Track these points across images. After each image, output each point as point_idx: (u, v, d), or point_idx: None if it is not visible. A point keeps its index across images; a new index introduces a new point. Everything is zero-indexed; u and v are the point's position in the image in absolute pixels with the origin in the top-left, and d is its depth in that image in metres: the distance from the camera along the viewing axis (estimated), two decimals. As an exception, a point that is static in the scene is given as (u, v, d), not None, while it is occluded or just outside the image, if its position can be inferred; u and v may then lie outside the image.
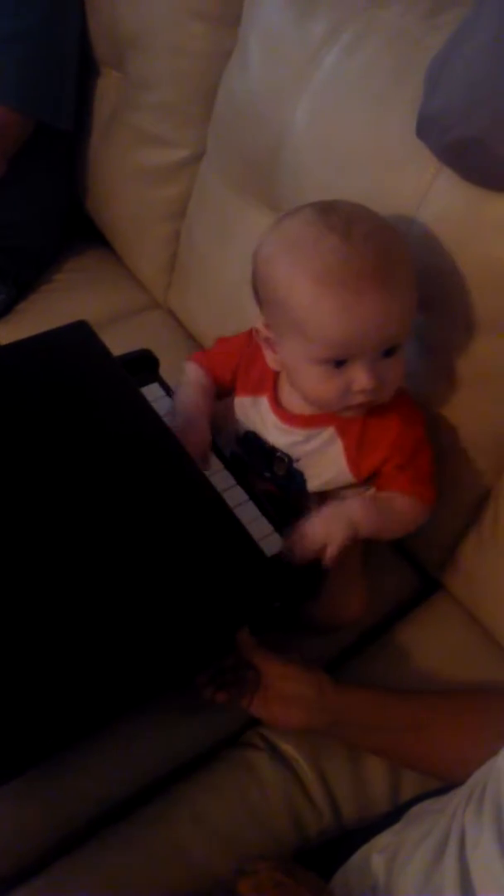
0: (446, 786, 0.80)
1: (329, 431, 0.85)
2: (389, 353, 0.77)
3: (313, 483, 0.89)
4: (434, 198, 0.85)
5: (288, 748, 0.91)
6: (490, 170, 0.78)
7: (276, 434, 0.88)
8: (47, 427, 0.85)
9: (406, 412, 0.85)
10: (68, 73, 1.36)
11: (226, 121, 1.18)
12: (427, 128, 0.83)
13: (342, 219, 0.75)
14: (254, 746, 0.91)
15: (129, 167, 1.37)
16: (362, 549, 0.96)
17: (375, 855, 0.76)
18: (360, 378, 0.77)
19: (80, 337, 0.93)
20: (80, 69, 1.39)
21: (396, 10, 0.93)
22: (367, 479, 0.87)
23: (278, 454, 0.89)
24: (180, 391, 0.94)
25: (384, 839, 0.78)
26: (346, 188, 0.91)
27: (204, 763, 0.91)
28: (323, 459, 0.87)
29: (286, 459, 0.89)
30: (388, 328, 0.75)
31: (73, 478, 0.81)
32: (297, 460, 0.88)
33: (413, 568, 1.11)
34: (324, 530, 0.82)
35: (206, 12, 1.17)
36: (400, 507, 0.86)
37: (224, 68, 1.17)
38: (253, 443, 0.91)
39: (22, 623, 0.72)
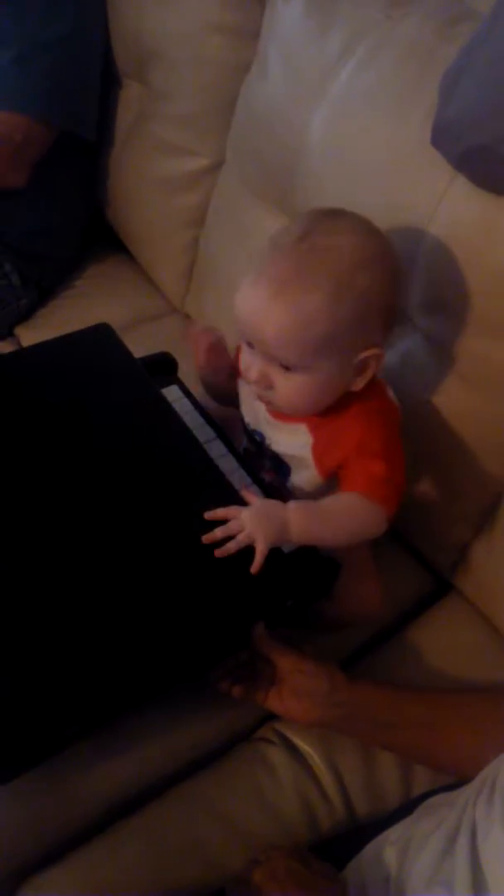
0: (458, 780, 0.81)
1: (303, 428, 0.85)
2: (287, 368, 0.77)
3: (295, 478, 0.89)
4: (449, 204, 0.87)
5: (301, 743, 0.92)
6: (502, 177, 0.80)
7: (266, 426, 0.89)
8: (71, 424, 0.87)
9: (375, 415, 0.83)
10: (92, 84, 1.38)
11: (245, 131, 1.20)
12: (441, 136, 0.85)
13: (307, 226, 0.75)
14: (268, 741, 0.93)
15: (150, 176, 1.40)
16: (370, 545, 0.97)
17: (388, 847, 0.77)
18: (250, 366, 0.79)
19: (102, 338, 0.96)
20: (104, 81, 1.41)
21: (411, 23, 0.95)
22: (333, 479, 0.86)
23: (266, 443, 0.89)
24: None
25: (396, 832, 0.78)
26: (362, 196, 0.93)
27: (219, 757, 0.92)
28: (297, 456, 0.87)
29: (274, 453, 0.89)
30: (265, 333, 0.75)
31: (96, 474, 0.83)
32: (283, 454, 0.88)
33: (425, 570, 1.12)
34: (253, 525, 0.77)
35: (226, 25, 1.19)
36: (348, 510, 0.81)
37: (243, 80, 1.19)
38: (252, 434, 0.92)
39: (43, 616, 0.74)
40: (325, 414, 0.82)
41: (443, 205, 0.87)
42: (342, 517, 0.81)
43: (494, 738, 0.77)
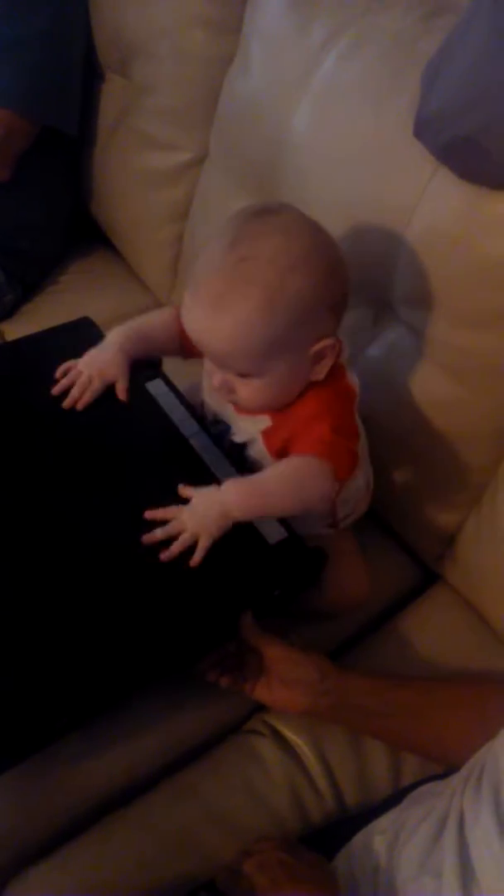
0: (446, 770, 0.81)
1: (265, 417, 0.85)
2: (243, 374, 0.79)
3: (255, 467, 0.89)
4: (432, 196, 0.87)
5: (291, 734, 0.92)
6: (484, 168, 0.80)
7: (232, 418, 0.89)
8: (53, 419, 0.87)
9: (327, 394, 0.83)
10: (74, 79, 1.38)
11: (228, 124, 1.20)
12: (424, 128, 0.85)
13: (234, 233, 0.75)
14: (258, 733, 0.93)
15: (133, 170, 1.39)
16: (355, 533, 0.97)
17: (377, 836, 0.77)
18: (211, 373, 0.81)
19: (84, 332, 0.96)
20: (86, 75, 1.41)
21: (392, 15, 0.95)
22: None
23: (228, 436, 0.90)
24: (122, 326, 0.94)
25: (385, 821, 0.79)
26: (345, 187, 0.93)
27: (209, 749, 0.92)
28: (249, 441, 0.88)
29: (222, 427, 0.90)
30: (212, 348, 0.77)
31: (79, 469, 0.83)
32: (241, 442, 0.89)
33: (412, 560, 1.13)
34: (193, 524, 0.77)
35: (208, 19, 1.19)
36: (292, 473, 0.80)
37: (226, 73, 1.19)
38: (216, 424, 0.92)
39: (31, 609, 0.74)
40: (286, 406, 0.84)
41: (426, 196, 0.87)
42: (286, 482, 0.80)
43: (482, 727, 0.77)
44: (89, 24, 1.39)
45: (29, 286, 1.50)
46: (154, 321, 0.94)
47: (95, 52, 1.42)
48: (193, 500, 0.79)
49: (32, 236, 1.47)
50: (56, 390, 0.89)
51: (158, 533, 0.78)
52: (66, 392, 0.89)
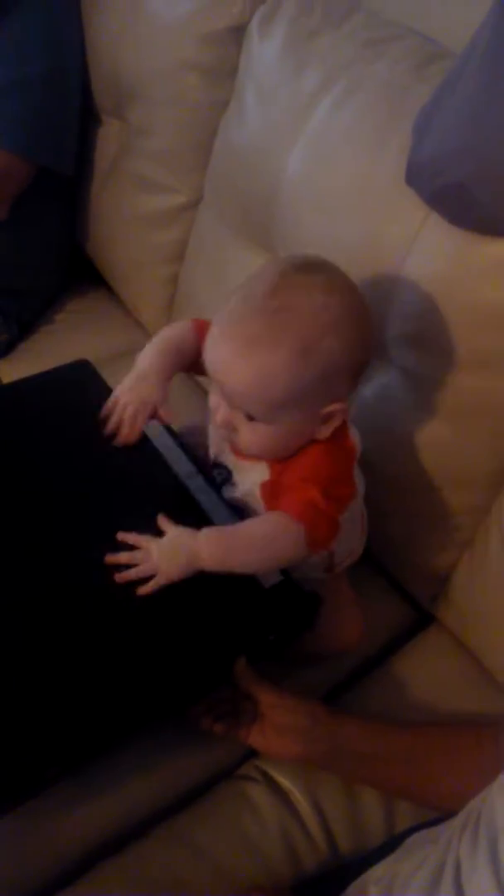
0: (441, 816, 0.80)
1: (264, 466, 0.85)
2: (251, 417, 0.78)
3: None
4: (424, 241, 0.88)
5: (284, 781, 0.91)
6: (475, 214, 0.81)
7: (231, 462, 0.89)
8: (49, 463, 0.87)
9: (328, 453, 0.82)
10: (71, 121, 1.40)
11: (223, 168, 1.22)
12: (416, 174, 0.86)
13: (277, 280, 0.75)
14: (250, 779, 0.92)
15: (129, 212, 1.41)
16: (348, 575, 0.97)
17: (371, 886, 0.76)
18: (216, 408, 0.81)
19: (82, 375, 0.96)
20: (83, 117, 1.43)
21: (385, 63, 0.97)
22: None
23: (218, 469, 0.90)
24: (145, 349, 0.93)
25: (380, 870, 0.77)
26: (339, 232, 0.94)
27: (201, 796, 0.91)
28: (249, 493, 0.87)
29: (222, 474, 0.90)
30: (231, 386, 0.77)
31: (75, 512, 0.83)
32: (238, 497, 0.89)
33: (406, 601, 1.12)
34: (158, 559, 0.77)
35: (203, 64, 1.21)
36: (268, 532, 0.79)
37: (220, 118, 1.20)
38: (217, 467, 0.92)
39: (21, 656, 0.73)
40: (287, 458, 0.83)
41: (418, 241, 0.88)
42: (257, 541, 0.80)
43: (477, 773, 0.76)
44: (87, 67, 1.41)
45: (25, 325, 1.51)
46: (183, 336, 0.93)
47: (92, 94, 1.44)
48: (167, 537, 0.79)
49: (29, 275, 1.48)
50: (108, 430, 0.88)
51: (122, 556, 0.78)
52: (59, 435, 0.89)
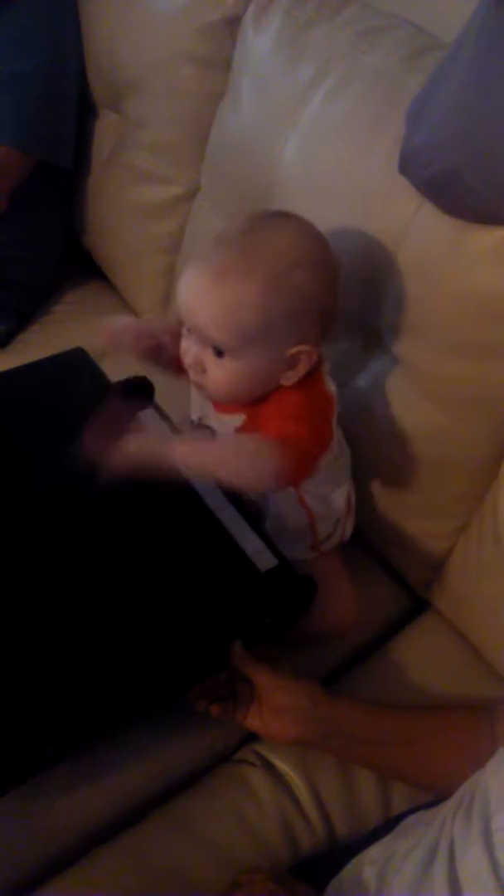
0: (436, 798, 0.81)
1: (241, 417, 0.87)
2: (219, 354, 0.80)
3: None
4: (416, 230, 0.88)
5: (281, 764, 0.92)
6: (468, 203, 0.82)
7: (214, 421, 0.91)
8: (45, 450, 0.88)
9: (302, 393, 0.84)
10: (68, 114, 1.40)
11: (219, 159, 1.22)
12: (409, 163, 0.87)
13: (252, 222, 0.80)
14: (248, 763, 0.92)
15: (126, 203, 1.41)
16: (340, 555, 0.98)
17: (367, 866, 0.77)
18: (186, 351, 0.83)
19: (77, 363, 0.96)
20: (80, 110, 1.43)
21: (378, 54, 0.97)
22: None
23: (202, 430, 0.93)
24: None
25: (375, 851, 0.78)
26: (333, 221, 0.94)
27: (198, 779, 0.92)
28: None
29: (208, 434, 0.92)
30: (201, 316, 0.79)
31: (69, 498, 0.84)
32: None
33: (402, 587, 1.13)
34: (134, 446, 0.79)
35: (199, 56, 1.21)
36: (241, 445, 0.83)
37: (216, 109, 1.21)
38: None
39: (22, 635, 0.74)
40: (259, 404, 0.85)
41: (412, 229, 0.89)
42: (231, 450, 0.83)
43: (471, 755, 0.77)
44: (84, 60, 1.41)
45: (23, 316, 1.51)
46: (162, 321, 0.96)
47: (89, 87, 1.44)
48: (146, 432, 0.83)
49: (26, 267, 1.49)
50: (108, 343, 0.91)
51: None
52: (55, 423, 0.90)
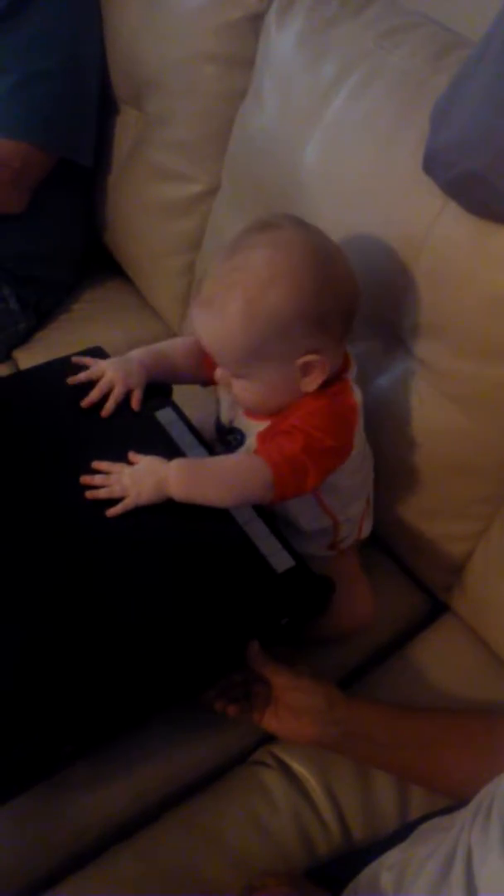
0: (454, 803, 0.80)
1: (267, 424, 0.88)
2: (234, 374, 0.84)
3: None
4: (440, 230, 0.88)
5: (298, 766, 0.91)
6: (493, 204, 0.81)
7: (243, 424, 0.92)
8: (63, 448, 0.88)
9: (321, 406, 0.84)
10: (89, 112, 1.40)
11: (240, 157, 1.22)
12: (433, 163, 0.86)
13: (236, 242, 0.81)
14: (264, 764, 0.92)
15: (147, 201, 1.41)
16: (357, 554, 0.97)
17: (384, 872, 0.76)
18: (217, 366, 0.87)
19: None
20: (102, 107, 1.43)
21: (403, 52, 0.96)
22: None
23: (232, 434, 0.94)
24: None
25: (392, 856, 0.78)
26: (355, 222, 0.94)
27: (214, 781, 0.92)
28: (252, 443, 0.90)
29: (237, 439, 0.93)
30: (208, 345, 0.83)
31: (86, 497, 0.83)
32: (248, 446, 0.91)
33: (420, 590, 1.12)
34: (130, 482, 0.81)
35: (221, 54, 1.21)
36: (233, 468, 0.84)
37: (237, 107, 1.20)
38: (229, 433, 0.95)
39: (39, 635, 0.74)
40: (285, 410, 0.86)
41: (435, 229, 0.88)
42: (225, 476, 0.83)
43: (490, 760, 0.76)
44: (105, 57, 1.41)
45: (43, 314, 1.52)
46: (176, 345, 0.99)
47: (110, 84, 1.44)
48: (139, 464, 0.83)
49: (47, 265, 1.49)
50: (72, 381, 0.92)
51: (96, 479, 0.82)
52: (74, 422, 0.91)
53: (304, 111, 1.04)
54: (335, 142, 1.01)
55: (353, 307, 0.83)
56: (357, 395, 0.87)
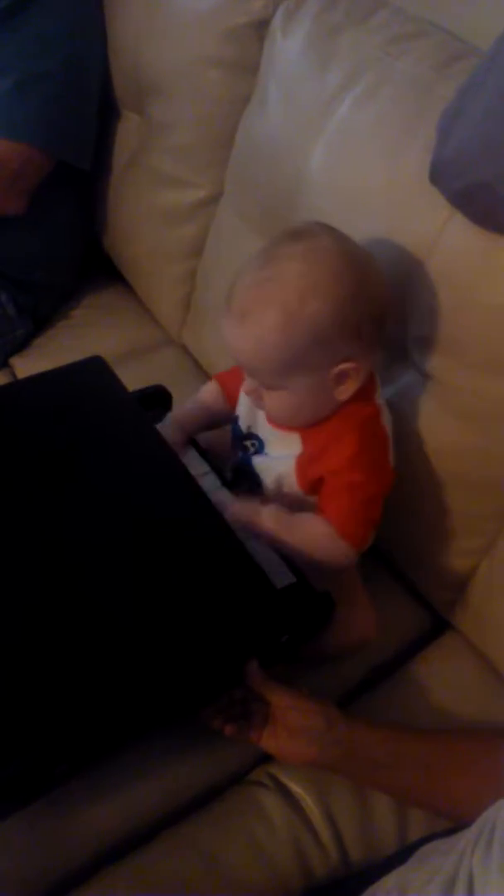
0: (454, 826, 0.79)
1: (296, 437, 0.88)
2: (268, 386, 0.84)
3: (267, 477, 0.92)
4: (446, 241, 0.87)
5: (295, 787, 0.90)
6: (500, 215, 0.80)
7: (265, 431, 0.92)
8: (61, 460, 0.87)
9: (360, 429, 0.85)
10: (90, 115, 1.39)
11: (244, 163, 1.21)
12: (439, 174, 0.85)
13: (269, 252, 0.81)
14: (261, 785, 0.91)
15: (148, 207, 1.40)
16: (359, 571, 0.96)
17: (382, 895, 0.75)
18: (246, 380, 0.88)
19: (94, 372, 0.95)
20: (103, 112, 1.42)
21: (409, 60, 0.95)
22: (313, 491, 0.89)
23: (251, 439, 0.94)
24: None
25: (391, 880, 0.76)
26: (360, 231, 0.92)
27: (211, 800, 0.90)
28: (282, 472, 0.90)
29: (255, 445, 0.93)
30: (241, 358, 0.83)
31: (87, 509, 0.82)
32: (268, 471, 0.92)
33: (423, 607, 1.11)
34: (245, 513, 0.85)
35: (226, 60, 1.20)
36: (313, 533, 0.85)
37: (241, 113, 1.19)
38: (247, 439, 0.95)
39: (33, 652, 0.72)
40: (316, 425, 0.87)
41: (441, 241, 0.87)
42: (308, 539, 0.85)
43: (492, 782, 0.75)
44: (107, 61, 1.40)
45: (41, 320, 1.51)
46: (206, 395, 1.01)
47: (112, 89, 1.43)
48: (238, 503, 0.87)
49: (45, 270, 1.48)
50: None
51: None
52: (71, 430, 0.89)
53: (310, 118, 1.03)
54: (340, 150, 1.00)
55: (386, 311, 0.84)
56: (387, 418, 0.89)
